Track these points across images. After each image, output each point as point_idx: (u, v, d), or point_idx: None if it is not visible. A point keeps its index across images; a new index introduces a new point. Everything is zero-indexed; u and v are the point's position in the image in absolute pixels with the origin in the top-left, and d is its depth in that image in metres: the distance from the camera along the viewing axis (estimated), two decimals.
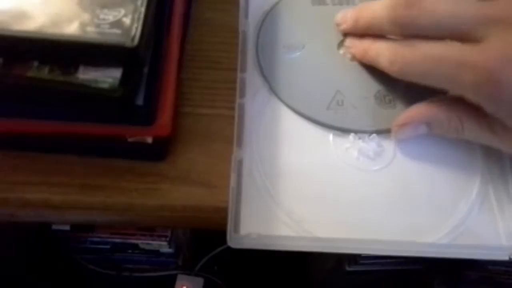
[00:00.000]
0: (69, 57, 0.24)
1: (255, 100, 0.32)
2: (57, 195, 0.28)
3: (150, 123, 0.27)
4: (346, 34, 0.33)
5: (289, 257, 0.84)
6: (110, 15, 0.25)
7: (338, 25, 0.33)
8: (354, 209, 0.28)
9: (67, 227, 0.66)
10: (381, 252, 0.27)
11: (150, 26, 0.26)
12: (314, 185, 0.29)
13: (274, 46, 0.34)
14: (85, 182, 0.28)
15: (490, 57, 0.25)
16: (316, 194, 0.29)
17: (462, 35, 0.26)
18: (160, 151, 0.29)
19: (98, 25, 0.24)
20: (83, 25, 0.24)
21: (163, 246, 0.74)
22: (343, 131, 0.31)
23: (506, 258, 0.27)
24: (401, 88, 0.31)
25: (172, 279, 0.80)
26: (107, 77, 0.24)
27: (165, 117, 0.27)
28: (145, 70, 0.27)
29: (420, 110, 0.29)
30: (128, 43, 0.24)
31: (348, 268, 0.73)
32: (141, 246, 0.74)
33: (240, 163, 0.29)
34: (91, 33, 0.24)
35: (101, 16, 0.24)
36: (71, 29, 0.24)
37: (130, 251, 0.76)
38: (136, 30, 0.24)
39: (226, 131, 0.30)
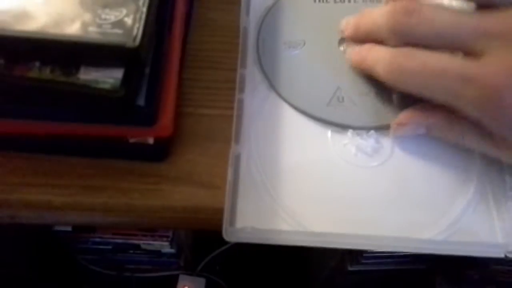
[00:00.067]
0: (70, 57, 0.24)
1: (255, 96, 0.32)
2: (58, 197, 0.28)
3: (151, 123, 0.27)
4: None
5: (291, 257, 0.84)
6: (112, 15, 0.24)
7: (341, 31, 0.33)
8: (350, 205, 0.28)
9: (68, 228, 0.66)
10: (377, 248, 0.27)
11: (151, 26, 0.26)
12: (311, 180, 0.29)
13: (274, 43, 0.34)
14: (86, 183, 0.28)
15: (492, 73, 0.24)
16: (313, 189, 0.29)
17: (461, 47, 0.26)
18: (161, 151, 0.29)
19: (99, 25, 0.24)
20: (84, 25, 0.24)
21: (165, 247, 0.74)
22: (342, 127, 0.31)
23: (502, 255, 0.27)
24: None
25: (174, 280, 0.80)
26: (109, 77, 0.24)
27: (166, 118, 0.27)
28: (147, 70, 0.27)
29: (421, 113, 0.29)
30: (129, 43, 0.24)
31: (350, 268, 0.73)
32: (143, 246, 0.74)
33: (237, 158, 0.29)
34: (93, 33, 0.24)
35: (103, 16, 0.24)
36: (72, 29, 0.24)
37: (131, 251, 0.76)
38: (137, 30, 0.24)
39: (227, 131, 0.30)
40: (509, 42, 0.25)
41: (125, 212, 0.28)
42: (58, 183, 0.28)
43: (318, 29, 0.34)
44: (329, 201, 0.29)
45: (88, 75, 0.24)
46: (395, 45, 0.28)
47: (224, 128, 0.30)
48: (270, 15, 0.35)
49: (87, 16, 0.24)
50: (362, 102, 0.31)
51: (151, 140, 0.28)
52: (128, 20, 0.24)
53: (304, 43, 0.34)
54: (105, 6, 0.25)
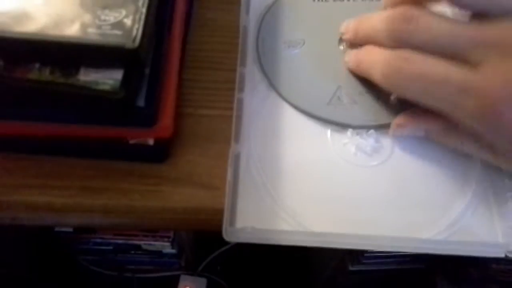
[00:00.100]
0: (70, 58, 0.24)
1: (254, 95, 0.32)
2: (58, 198, 0.28)
3: (151, 124, 0.27)
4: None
5: (292, 257, 0.84)
6: (111, 16, 0.24)
7: (342, 34, 0.33)
8: (350, 205, 0.28)
9: (69, 229, 0.66)
10: (376, 247, 0.27)
11: (151, 27, 0.26)
12: (311, 180, 0.29)
13: (274, 42, 0.34)
14: (86, 185, 0.28)
15: (492, 87, 0.24)
16: (313, 189, 0.29)
17: (458, 56, 0.26)
18: (161, 152, 0.29)
19: (99, 26, 0.24)
20: (84, 27, 0.24)
21: (166, 247, 0.74)
22: (342, 126, 0.31)
23: (502, 255, 0.27)
24: None
25: (175, 280, 0.80)
26: (108, 78, 0.24)
27: (166, 119, 0.27)
28: (146, 71, 0.27)
29: (419, 116, 0.29)
30: (129, 44, 0.23)
31: (351, 268, 0.73)
32: (144, 247, 0.74)
33: (237, 157, 0.29)
34: (92, 35, 0.24)
35: (102, 17, 0.24)
36: (72, 30, 0.24)
37: (132, 252, 0.76)
38: (137, 31, 0.24)
39: (227, 131, 0.30)
40: (506, 53, 0.24)
41: (125, 214, 0.28)
42: (58, 184, 0.28)
43: (317, 28, 0.34)
44: (329, 200, 0.29)
45: (88, 76, 0.24)
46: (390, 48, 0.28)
47: (224, 128, 0.30)
48: (270, 14, 0.35)
49: (87, 17, 0.24)
50: (362, 101, 0.31)
51: (151, 141, 0.28)
52: (128, 21, 0.24)
53: (304, 42, 0.34)
54: (104, 7, 0.25)
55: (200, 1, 0.36)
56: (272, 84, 0.32)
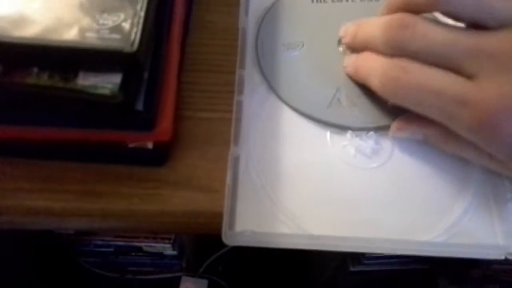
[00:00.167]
0: (68, 63, 0.24)
1: (254, 98, 0.32)
2: (57, 202, 0.28)
3: (150, 128, 0.27)
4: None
5: (293, 258, 0.84)
6: (110, 20, 0.24)
7: (341, 37, 0.33)
8: (350, 207, 0.28)
9: (70, 231, 0.66)
10: (376, 250, 0.27)
11: (149, 31, 0.26)
12: (310, 182, 0.29)
13: (273, 44, 0.34)
14: (85, 189, 0.28)
15: (488, 99, 0.24)
16: (313, 191, 0.29)
17: (454, 66, 0.26)
18: (160, 156, 0.29)
19: (97, 31, 0.24)
20: (82, 31, 0.24)
21: (167, 249, 0.74)
22: (341, 128, 0.31)
23: (502, 257, 0.27)
24: None
25: (176, 281, 0.80)
26: (107, 82, 0.24)
27: (165, 122, 0.27)
28: (145, 75, 0.27)
29: (418, 121, 0.29)
30: (127, 48, 0.23)
31: (352, 268, 0.73)
32: (145, 248, 0.74)
33: (236, 160, 0.29)
34: (91, 39, 0.24)
35: (101, 21, 0.24)
36: (70, 34, 0.24)
37: (133, 253, 0.76)
38: (135, 35, 0.24)
39: (226, 134, 0.30)
40: (502, 66, 0.24)
41: (125, 217, 0.28)
42: (57, 188, 0.28)
43: (316, 30, 0.34)
44: (329, 203, 0.28)
45: (87, 81, 0.24)
46: (391, 57, 0.28)
47: (224, 131, 0.30)
48: (269, 16, 0.35)
49: (85, 21, 0.24)
50: (362, 103, 0.31)
51: (150, 145, 0.28)
52: (126, 25, 0.24)
53: (303, 44, 0.33)
54: (103, 11, 0.25)
55: (199, 4, 0.36)
56: (272, 87, 0.32)
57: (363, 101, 0.31)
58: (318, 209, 0.28)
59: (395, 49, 0.28)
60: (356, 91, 0.31)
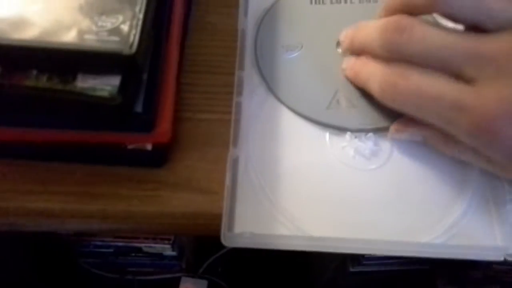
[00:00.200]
0: (67, 65, 0.24)
1: (253, 99, 0.32)
2: (56, 204, 0.28)
3: (149, 130, 0.27)
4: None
5: (293, 258, 0.84)
6: (108, 22, 0.24)
7: (341, 42, 0.33)
8: (349, 208, 0.28)
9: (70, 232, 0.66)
10: (375, 251, 0.27)
11: (148, 33, 0.26)
12: (309, 184, 0.29)
13: (272, 45, 0.34)
14: (84, 190, 0.28)
15: (486, 104, 0.24)
16: (312, 193, 0.29)
17: (453, 70, 0.26)
18: (159, 157, 0.29)
19: (96, 33, 0.24)
20: (81, 33, 0.24)
21: (167, 249, 0.75)
22: (340, 130, 0.31)
23: (501, 258, 0.27)
24: None
25: (176, 282, 0.81)
26: (106, 84, 0.24)
27: (164, 124, 0.27)
28: (144, 76, 0.27)
29: (419, 124, 0.29)
30: (126, 50, 0.23)
31: (351, 269, 0.73)
32: (145, 249, 0.74)
33: (235, 161, 0.29)
34: (90, 41, 0.24)
35: (99, 23, 0.24)
36: (69, 37, 0.24)
37: (133, 254, 0.76)
38: (134, 37, 0.24)
39: (226, 135, 0.30)
40: (501, 70, 0.24)
41: (124, 219, 0.28)
42: (56, 190, 0.28)
43: (315, 31, 0.34)
44: (328, 204, 0.28)
45: (85, 83, 0.24)
46: (388, 60, 0.28)
47: (223, 132, 0.30)
48: (268, 17, 0.35)
49: (84, 24, 0.24)
50: (361, 104, 0.31)
51: (149, 146, 0.28)
52: (125, 27, 0.24)
53: (302, 46, 0.33)
54: (101, 13, 0.25)
55: (199, 5, 0.36)
56: (271, 88, 0.32)
57: (362, 103, 0.31)
58: (317, 211, 0.28)
59: (392, 53, 0.27)
60: (355, 92, 0.31)
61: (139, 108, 0.26)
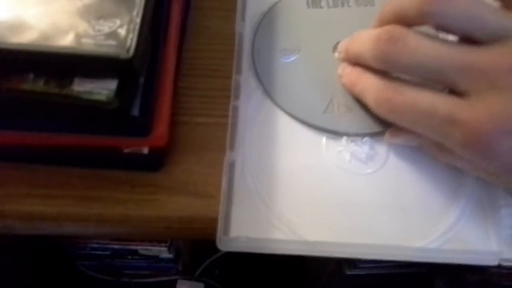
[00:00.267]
0: (64, 69, 0.24)
1: (249, 103, 0.32)
2: (53, 207, 0.28)
3: (146, 134, 0.27)
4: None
5: (289, 261, 0.84)
6: (106, 26, 0.24)
7: (338, 54, 0.33)
8: (345, 213, 0.28)
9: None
10: (370, 256, 0.27)
11: (145, 37, 0.26)
12: (306, 188, 0.29)
13: (270, 49, 0.34)
14: (81, 194, 0.28)
15: (479, 118, 0.24)
16: (308, 197, 0.29)
17: (446, 82, 0.26)
18: (156, 161, 0.29)
19: (93, 37, 0.24)
20: (78, 37, 0.24)
21: (163, 252, 0.75)
22: (336, 134, 0.31)
23: (495, 263, 0.27)
24: None
25: (172, 284, 0.81)
26: (103, 88, 0.24)
27: (161, 128, 0.27)
28: (141, 80, 0.27)
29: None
30: (123, 54, 0.24)
31: (348, 272, 0.73)
32: (141, 252, 0.74)
33: (232, 165, 0.29)
34: (87, 45, 0.24)
35: (97, 27, 0.24)
36: (66, 41, 0.24)
37: (129, 257, 0.76)
38: (131, 41, 0.24)
39: (222, 139, 0.30)
40: (493, 83, 0.24)
41: (120, 223, 0.28)
42: (52, 193, 0.28)
43: (312, 35, 0.34)
44: (324, 208, 0.28)
45: (82, 87, 0.24)
46: (382, 71, 0.28)
47: (219, 136, 0.30)
48: (265, 21, 0.35)
49: (81, 28, 0.24)
50: (357, 109, 0.31)
51: (146, 150, 0.28)
52: (122, 31, 0.24)
53: (299, 50, 0.34)
54: (99, 17, 0.25)
55: (196, 9, 0.36)
56: (267, 92, 0.32)
57: (359, 107, 0.31)
58: (313, 215, 0.28)
59: (385, 64, 0.27)
60: (352, 96, 0.32)
61: (135, 112, 0.26)
